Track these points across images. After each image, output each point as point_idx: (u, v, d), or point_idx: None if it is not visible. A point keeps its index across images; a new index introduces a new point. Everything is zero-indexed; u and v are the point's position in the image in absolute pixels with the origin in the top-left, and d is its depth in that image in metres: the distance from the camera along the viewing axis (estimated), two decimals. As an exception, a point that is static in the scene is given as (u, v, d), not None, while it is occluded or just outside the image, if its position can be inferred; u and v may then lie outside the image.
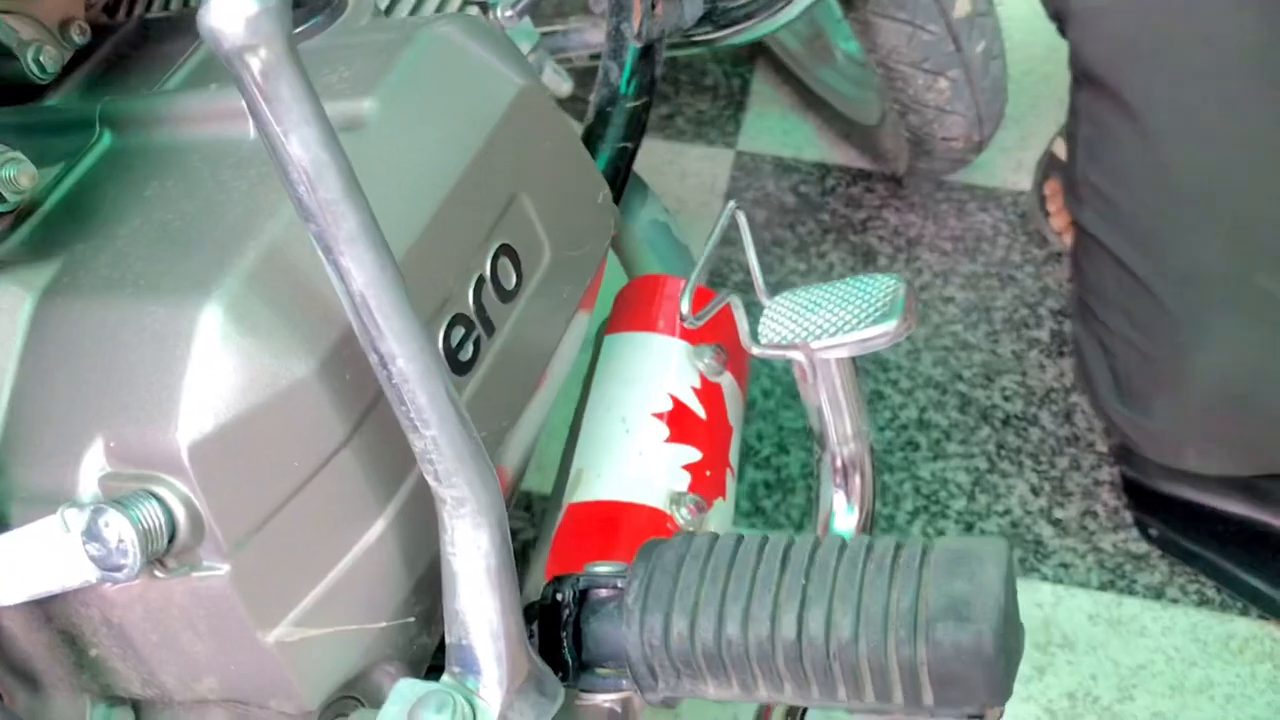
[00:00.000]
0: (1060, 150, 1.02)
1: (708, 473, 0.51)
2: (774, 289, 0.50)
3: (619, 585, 0.40)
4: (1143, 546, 0.92)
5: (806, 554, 0.37)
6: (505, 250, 0.41)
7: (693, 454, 0.51)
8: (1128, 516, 0.93)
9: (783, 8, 0.69)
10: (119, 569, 0.31)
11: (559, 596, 0.40)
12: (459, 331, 0.39)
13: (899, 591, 0.35)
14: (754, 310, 0.49)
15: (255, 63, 0.27)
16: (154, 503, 0.31)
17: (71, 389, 0.33)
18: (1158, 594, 0.90)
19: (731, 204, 0.49)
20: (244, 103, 0.30)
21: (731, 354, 0.56)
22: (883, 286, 0.47)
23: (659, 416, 0.51)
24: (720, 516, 0.52)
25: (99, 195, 0.38)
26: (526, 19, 0.58)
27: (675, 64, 1.34)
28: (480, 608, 0.34)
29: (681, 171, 1.24)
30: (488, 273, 0.40)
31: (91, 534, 0.31)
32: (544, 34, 0.65)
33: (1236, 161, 0.70)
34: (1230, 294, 0.71)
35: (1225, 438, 0.75)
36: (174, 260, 0.35)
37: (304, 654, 0.35)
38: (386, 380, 0.32)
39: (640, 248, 0.60)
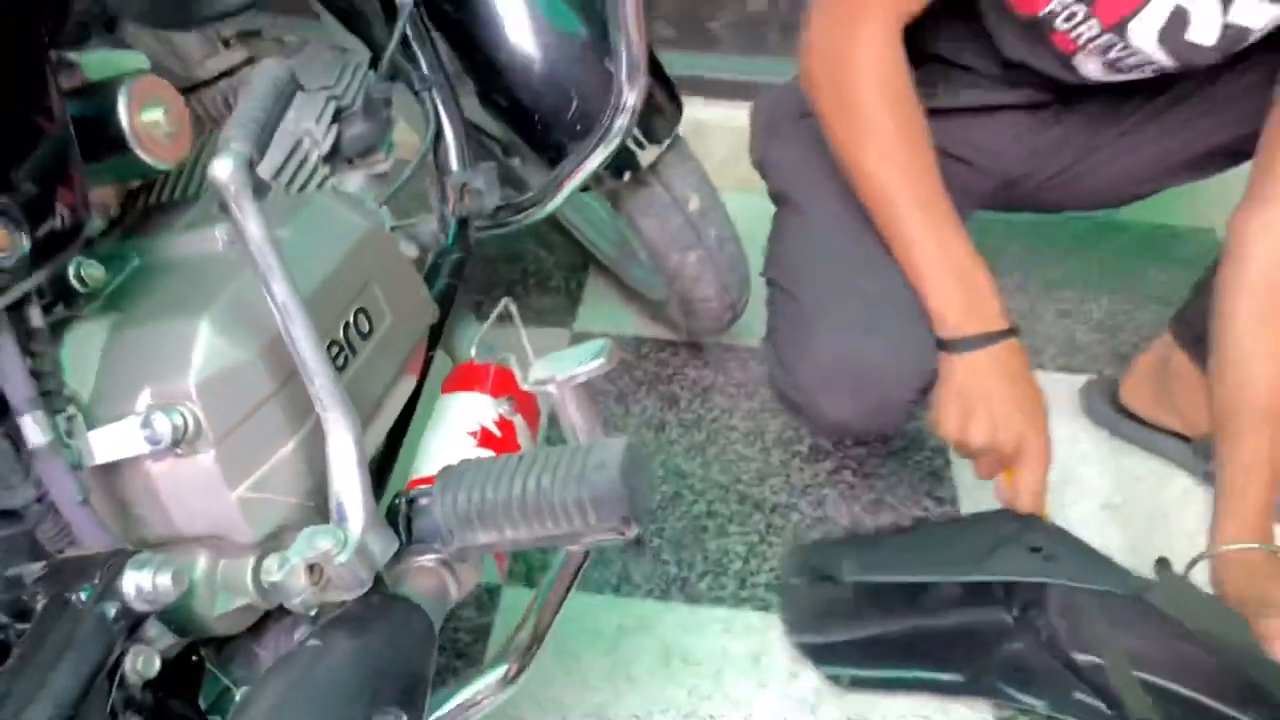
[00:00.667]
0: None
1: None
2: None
3: (432, 494, 0.71)
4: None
5: (531, 454, 0.68)
6: (362, 310, 0.73)
7: (489, 453, 0.82)
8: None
9: (551, 200, 1.05)
10: (158, 443, 0.61)
11: (397, 503, 0.71)
12: (335, 349, 0.70)
13: (573, 463, 0.66)
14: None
15: (237, 199, 0.60)
16: (178, 415, 0.61)
17: (131, 367, 0.64)
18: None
19: (506, 299, 0.83)
20: (216, 235, 0.63)
21: (522, 404, 0.88)
22: (598, 345, 0.80)
23: (470, 434, 0.83)
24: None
25: (136, 282, 0.70)
26: (385, 209, 0.92)
27: (525, 271, 1.71)
28: (346, 482, 0.64)
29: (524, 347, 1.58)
30: (352, 321, 0.72)
31: (145, 425, 0.61)
32: (408, 224, 0.99)
33: (846, 225, 1.11)
34: (839, 290, 1.09)
35: (842, 384, 1.08)
36: (181, 305, 0.66)
37: (252, 507, 0.64)
38: (300, 361, 0.64)
39: (461, 346, 0.92)
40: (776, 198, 1.25)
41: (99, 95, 0.67)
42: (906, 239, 1.05)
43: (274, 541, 0.66)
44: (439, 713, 0.74)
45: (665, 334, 1.58)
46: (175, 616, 0.64)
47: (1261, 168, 1.08)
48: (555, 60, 1.10)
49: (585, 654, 1.16)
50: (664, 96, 1.13)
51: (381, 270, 0.75)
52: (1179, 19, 1.06)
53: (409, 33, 0.94)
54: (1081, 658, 1.08)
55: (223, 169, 0.59)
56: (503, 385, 0.89)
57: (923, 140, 1.06)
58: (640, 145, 1.11)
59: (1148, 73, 1.13)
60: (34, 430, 0.60)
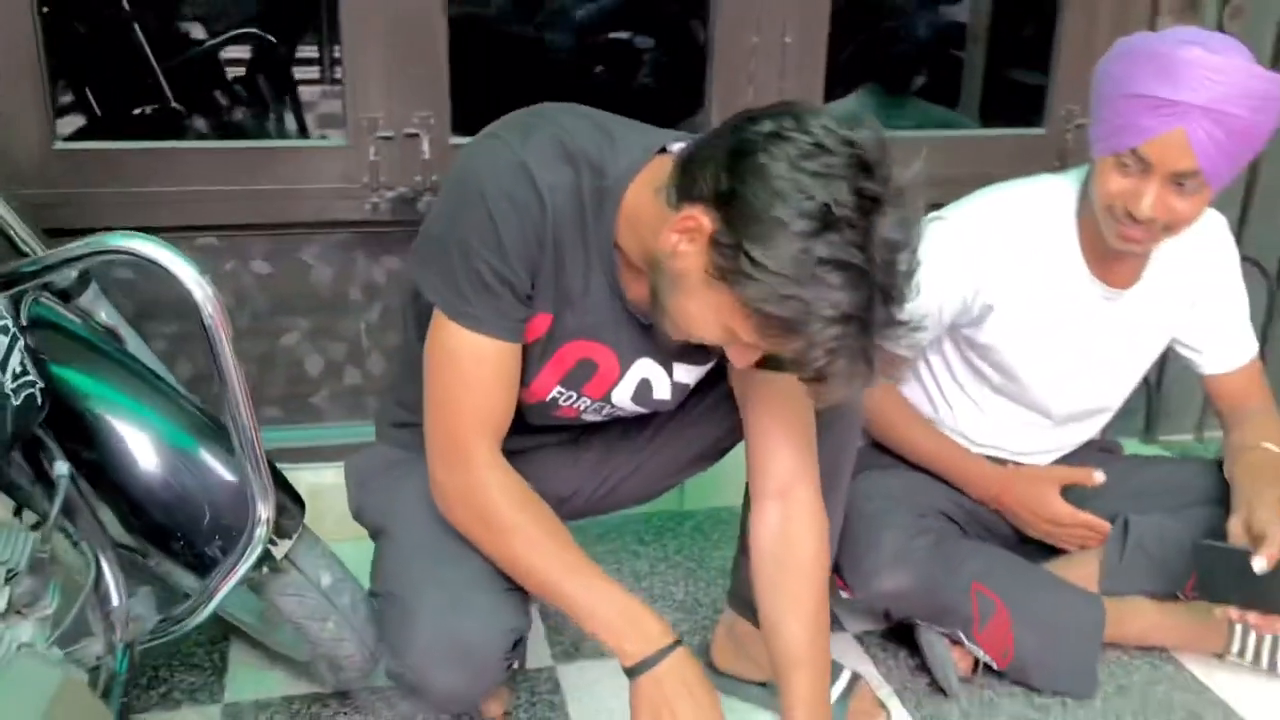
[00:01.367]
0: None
1: None
2: None
3: None
4: None
5: None
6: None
7: None
8: None
9: (205, 609, 1.22)
10: None
11: None
12: None
13: None
14: None
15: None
16: None
17: None
18: None
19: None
20: None
21: None
22: None
23: None
24: None
25: None
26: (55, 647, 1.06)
27: (167, 650, 1.80)
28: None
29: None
30: None
31: None
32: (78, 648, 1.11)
33: (431, 538, 1.38)
34: (430, 583, 1.34)
35: (446, 657, 1.31)
36: None
37: None
38: None
39: None
40: (375, 533, 1.50)
41: None
42: (571, 601, 1.31)
43: None
44: None
45: (313, 688, 1.72)
46: None
47: (751, 471, 1.46)
48: (184, 484, 1.30)
49: None
50: (287, 498, 1.35)
51: (80, 710, 0.90)
52: (645, 386, 1.44)
53: (68, 500, 1.11)
54: None
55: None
56: None
57: (554, 522, 1.34)
58: (273, 543, 1.31)
59: (630, 415, 1.50)
60: None
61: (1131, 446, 2.32)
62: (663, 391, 1.45)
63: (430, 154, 2.00)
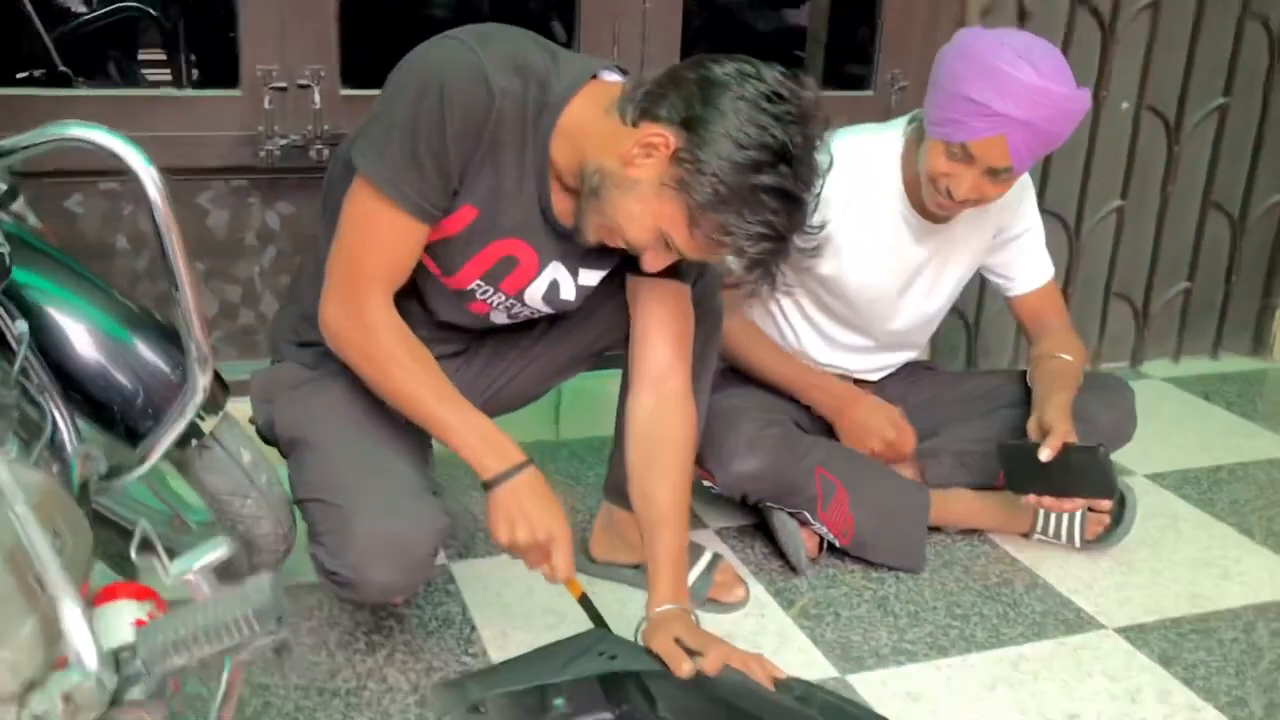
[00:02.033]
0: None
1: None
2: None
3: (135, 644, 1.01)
4: None
5: (202, 601, 1.02)
6: (56, 534, 1.03)
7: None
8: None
9: (144, 465, 1.37)
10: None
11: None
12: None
13: (236, 594, 1.01)
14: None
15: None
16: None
17: None
18: None
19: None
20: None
21: (161, 605, 1.19)
22: (216, 539, 1.14)
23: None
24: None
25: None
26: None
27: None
28: (79, 638, 0.94)
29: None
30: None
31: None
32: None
33: (353, 447, 1.60)
34: (362, 489, 1.52)
35: (382, 553, 1.48)
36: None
37: (9, 665, 0.91)
38: (40, 563, 0.94)
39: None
40: (290, 445, 1.65)
41: None
42: (441, 424, 1.51)
43: (26, 693, 0.93)
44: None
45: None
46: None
47: (632, 361, 1.68)
48: (119, 368, 1.45)
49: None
50: (215, 383, 1.50)
51: (62, 509, 1.06)
52: (555, 286, 1.64)
53: (26, 360, 1.26)
54: None
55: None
56: (144, 593, 1.19)
57: (428, 359, 1.53)
58: (202, 417, 1.47)
59: (534, 315, 1.70)
60: None
61: (954, 373, 2.61)
62: (568, 292, 1.64)
63: (321, 104, 2.16)
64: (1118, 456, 2.15)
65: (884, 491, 2.04)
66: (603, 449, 1.97)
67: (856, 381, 2.18)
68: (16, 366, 1.23)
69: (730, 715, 1.41)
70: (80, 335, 1.43)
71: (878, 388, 2.21)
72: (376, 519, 1.49)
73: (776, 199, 1.34)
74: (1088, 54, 2.74)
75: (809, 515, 2.00)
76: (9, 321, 1.29)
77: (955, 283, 2.14)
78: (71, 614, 0.94)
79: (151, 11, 2.90)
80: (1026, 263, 2.14)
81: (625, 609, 1.77)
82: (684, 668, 1.44)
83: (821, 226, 1.44)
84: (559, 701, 1.50)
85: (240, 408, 1.64)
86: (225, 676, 1.12)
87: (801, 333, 2.14)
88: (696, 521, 2.18)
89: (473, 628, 1.82)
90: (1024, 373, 2.15)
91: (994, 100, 1.75)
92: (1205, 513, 2.33)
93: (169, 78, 2.85)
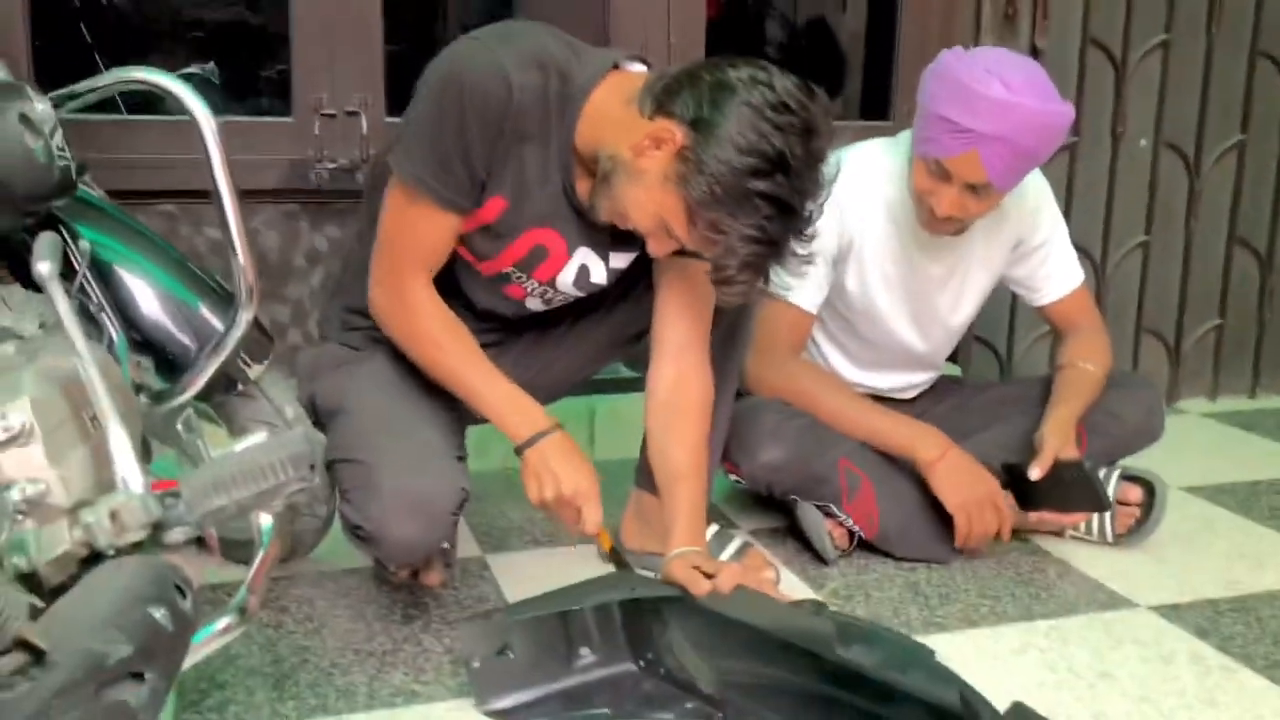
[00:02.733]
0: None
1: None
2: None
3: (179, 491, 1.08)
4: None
5: (242, 448, 1.08)
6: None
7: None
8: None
9: (192, 387, 1.46)
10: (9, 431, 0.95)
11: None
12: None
13: (273, 441, 1.07)
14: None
15: (53, 288, 1.00)
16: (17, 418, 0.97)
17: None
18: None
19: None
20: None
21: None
22: (255, 438, 1.22)
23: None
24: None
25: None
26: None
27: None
28: (126, 465, 1.01)
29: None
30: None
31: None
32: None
33: (385, 414, 1.66)
34: (389, 450, 1.58)
35: (404, 510, 1.54)
36: (12, 365, 1.02)
37: (65, 483, 0.98)
38: (95, 393, 1.02)
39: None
40: (328, 416, 1.72)
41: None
42: (475, 394, 1.61)
43: (78, 510, 1.00)
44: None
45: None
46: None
47: (655, 336, 1.74)
48: (181, 325, 1.56)
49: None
50: (259, 330, 1.59)
51: (114, 378, 1.14)
52: (585, 271, 1.72)
53: (85, 279, 1.36)
54: (682, 676, 1.53)
55: (44, 267, 1.00)
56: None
57: (467, 335, 1.63)
58: (247, 364, 1.56)
59: (568, 300, 1.78)
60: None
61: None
62: (599, 276, 1.73)
63: (368, 130, 2.30)
64: (1146, 465, 2.17)
65: (911, 485, 2.05)
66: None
67: (889, 401, 2.21)
68: (76, 284, 1.33)
69: (741, 631, 1.44)
70: (148, 294, 1.54)
71: (909, 405, 2.25)
72: (400, 476, 1.56)
73: (770, 205, 1.41)
74: (1102, 92, 2.84)
75: (834, 507, 2.02)
76: (72, 240, 1.39)
77: (978, 296, 2.19)
78: (120, 441, 1.02)
79: (214, 80, 3.10)
80: (1051, 272, 2.19)
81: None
82: (702, 585, 1.47)
83: (811, 237, 1.48)
84: (585, 650, 1.54)
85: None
86: (266, 531, 1.18)
87: (829, 354, 2.20)
88: (728, 524, 2.21)
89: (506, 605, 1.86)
90: (1049, 378, 2.18)
91: (963, 117, 1.80)
92: (1243, 517, 2.32)
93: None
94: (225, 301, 1.58)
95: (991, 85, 1.79)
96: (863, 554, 2.08)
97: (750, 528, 2.21)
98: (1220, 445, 2.81)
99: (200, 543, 1.09)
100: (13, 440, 0.95)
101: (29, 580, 0.96)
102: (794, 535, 2.15)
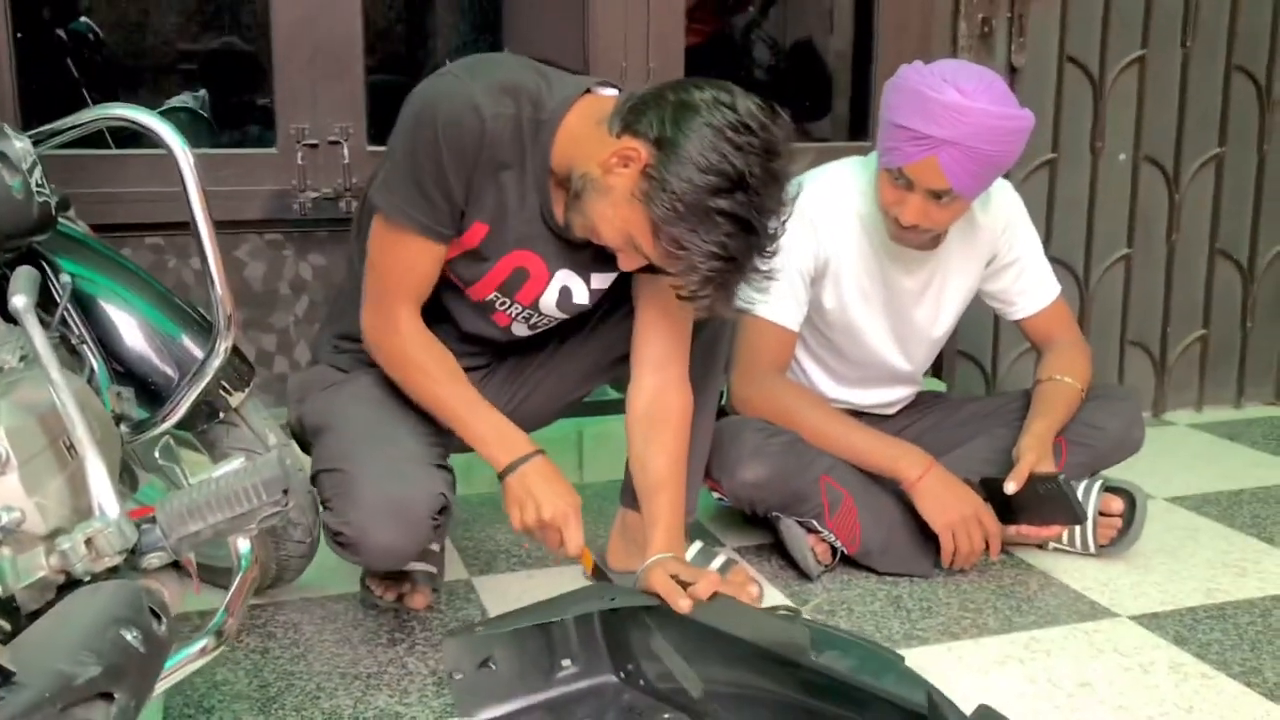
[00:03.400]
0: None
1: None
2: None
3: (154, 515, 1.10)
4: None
5: (217, 474, 1.10)
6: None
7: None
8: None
9: (172, 418, 1.48)
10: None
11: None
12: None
13: (248, 467, 1.09)
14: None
15: (29, 322, 1.02)
16: (-9, 451, 0.99)
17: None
18: None
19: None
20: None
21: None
22: (235, 462, 1.24)
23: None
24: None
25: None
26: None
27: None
28: (102, 491, 1.03)
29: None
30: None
31: (-25, 453, 0.97)
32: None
33: (365, 428, 1.69)
34: (370, 458, 1.61)
35: (384, 515, 1.57)
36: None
37: (41, 510, 1.00)
38: (70, 421, 1.04)
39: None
40: (314, 434, 1.75)
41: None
42: (458, 420, 1.65)
43: (54, 537, 1.02)
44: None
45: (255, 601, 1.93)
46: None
47: (635, 351, 1.77)
48: (164, 357, 1.58)
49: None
50: (239, 359, 1.62)
51: (93, 406, 1.16)
52: (567, 292, 1.75)
53: (66, 310, 1.39)
54: (663, 686, 1.56)
55: (20, 300, 1.02)
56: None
57: (452, 363, 1.68)
58: (228, 392, 1.58)
59: (553, 324, 1.81)
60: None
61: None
62: (582, 297, 1.76)
63: (350, 159, 2.34)
64: (1132, 476, 2.19)
65: (893, 501, 2.07)
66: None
67: (870, 418, 2.23)
68: (57, 316, 1.35)
69: (719, 638, 1.47)
70: (130, 326, 1.57)
71: (890, 421, 2.27)
72: (379, 482, 1.59)
73: (731, 223, 1.44)
74: (1080, 108, 2.87)
75: (816, 523, 2.04)
76: (53, 273, 1.42)
77: (955, 307, 2.21)
78: (96, 468, 1.04)
79: (203, 113, 3.13)
80: (1025, 287, 2.21)
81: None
82: (681, 604, 1.49)
83: (774, 254, 1.50)
84: (566, 662, 1.56)
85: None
86: (245, 555, 1.19)
87: (810, 371, 2.22)
88: (712, 541, 2.22)
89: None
90: (1029, 392, 2.20)
91: (919, 123, 1.84)
92: (1225, 526, 2.34)
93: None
94: (206, 332, 1.60)
95: (947, 92, 1.83)
96: (845, 569, 2.09)
97: (734, 545, 2.23)
98: (1205, 456, 2.83)
99: (177, 567, 1.11)
100: (-11, 470, 0.98)
101: (4, 607, 0.98)
102: (777, 551, 2.16)
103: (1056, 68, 2.83)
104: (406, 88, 1.65)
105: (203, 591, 1.59)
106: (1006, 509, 2.01)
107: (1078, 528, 2.13)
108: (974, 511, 1.98)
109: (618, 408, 1.92)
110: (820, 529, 2.05)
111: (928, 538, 2.05)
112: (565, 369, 1.90)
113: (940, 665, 1.73)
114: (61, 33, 2.88)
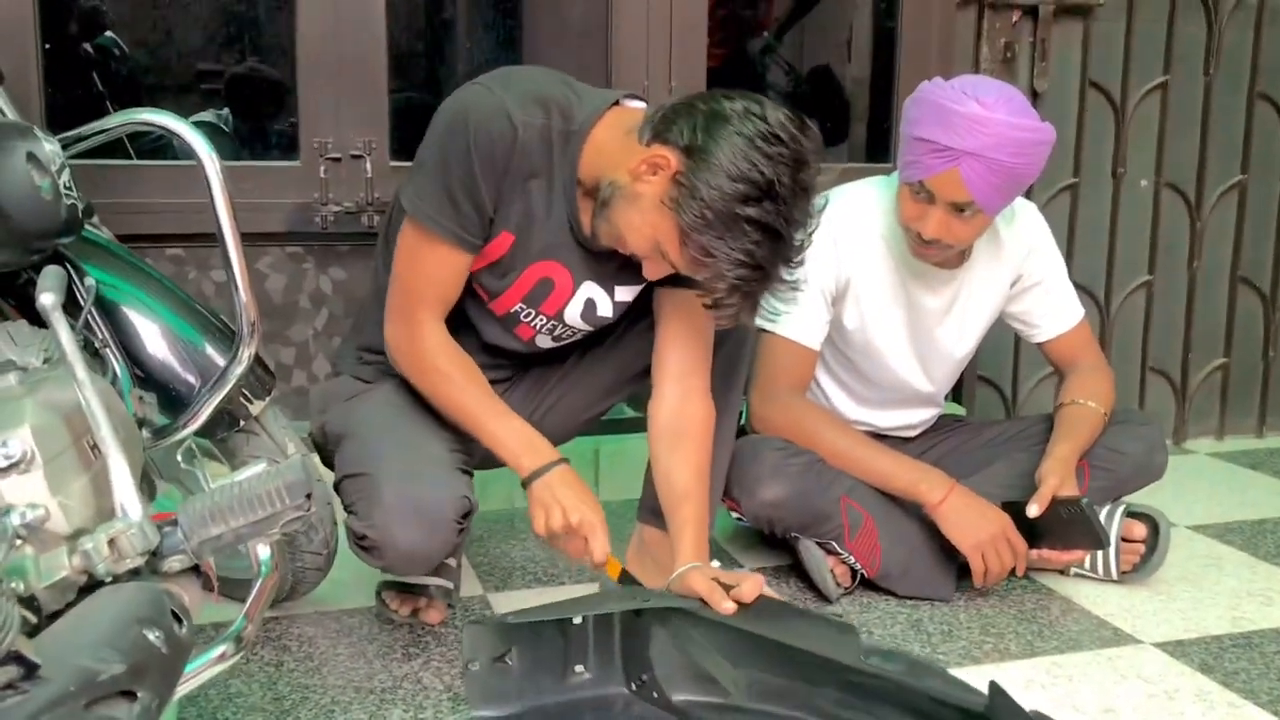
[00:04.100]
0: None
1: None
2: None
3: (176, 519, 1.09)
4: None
5: (240, 478, 1.09)
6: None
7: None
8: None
9: (194, 423, 1.47)
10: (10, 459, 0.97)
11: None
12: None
13: (270, 470, 1.08)
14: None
15: (57, 320, 1.02)
16: (17, 445, 0.98)
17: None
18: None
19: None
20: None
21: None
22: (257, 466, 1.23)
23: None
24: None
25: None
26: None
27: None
28: (125, 493, 1.02)
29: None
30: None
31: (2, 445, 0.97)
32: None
33: (387, 434, 1.70)
34: (393, 460, 1.62)
35: (407, 516, 1.56)
36: (14, 394, 1.03)
37: (65, 510, 0.99)
38: (95, 422, 1.03)
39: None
40: (336, 442, 1.74)
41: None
42: (483, 429, 1.64)
43: (76, 538, 1.01)
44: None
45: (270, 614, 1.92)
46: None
47: (657, 364, 1.76)
48: (186, 364, 1.57)
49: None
50: (261, 367, 1.61)
51: (116, 408, 1.16)
52: (591, 305, 1.74)
53: (90, 315, 1.39)
54: (678, 699, 1.55)
55: (48, 298, 1.02)
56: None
57: (476, 372, 1.67)
58: (249, 400, 1.57)
59: (577, 336, 1.80)
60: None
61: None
62: (605, 309, 1.76)
63: (372, 173, 2.34)
64: (1153, 504, 2.16)
65: (913, 524, 2.05)
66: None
67: (890, 440, 2.21)
68: (81, 320, 1.35)
69: (765, 642, 1.47)
70: (153, 332, 1.56)
71: (911, 444, 2.26)
72: (402, 484, 1.59)
73: (758, 231, 1.44)
74: (1102, 133, 2.87)
75: (836, 545, 2.02)
76: (78, 277, 1.41)
77: (979, 328, 2.20)
78: (120, 469, 1.03)
79: (224, 128, 3.14)
80: (1049, 309, 2.20)
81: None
82: (725, 606, 1.48)
83: (800, 264, 1.50)
84: (580, 668, 1.55)
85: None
86: (265, 561, 1.18)
87: (831, 392, 2.21)
88: (732, 563, 2.20)
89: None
90: (1051, 416, 2.18)
91: (940, 135, 1.84)
92: (1249, 554, 2.31)
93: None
94: (229, 340, 1.60)
95: (967, 104, 1.83)
96: (865, 592, 2.07)
97: (752, 566, 2.21)
98: (1227, 484, 2.80)
99: (198, 572, 1.10)
100: (13, 467, 0.97)
101: (27, 604, 0.96)
102: (796, 573, 2.14)
103: (1079, 93, 2.83)
104: (429, 105, 1.65)
105: (219, 604, 1.58)
106: (1029, 532, 1.98)
107: (1100, 553, 2.11)
108: (1001, 530, 1.96)
109: (634, 426, 1.91)
110: (840, 550, 2.03)
111: (949, 560, 2.03)
112: (587, 383, 1.89)
113: (962, 689, 1.70)
114: (88, 47, 2.89)
